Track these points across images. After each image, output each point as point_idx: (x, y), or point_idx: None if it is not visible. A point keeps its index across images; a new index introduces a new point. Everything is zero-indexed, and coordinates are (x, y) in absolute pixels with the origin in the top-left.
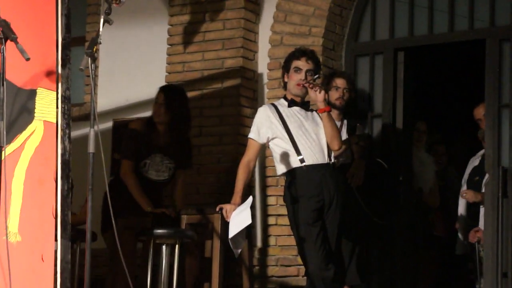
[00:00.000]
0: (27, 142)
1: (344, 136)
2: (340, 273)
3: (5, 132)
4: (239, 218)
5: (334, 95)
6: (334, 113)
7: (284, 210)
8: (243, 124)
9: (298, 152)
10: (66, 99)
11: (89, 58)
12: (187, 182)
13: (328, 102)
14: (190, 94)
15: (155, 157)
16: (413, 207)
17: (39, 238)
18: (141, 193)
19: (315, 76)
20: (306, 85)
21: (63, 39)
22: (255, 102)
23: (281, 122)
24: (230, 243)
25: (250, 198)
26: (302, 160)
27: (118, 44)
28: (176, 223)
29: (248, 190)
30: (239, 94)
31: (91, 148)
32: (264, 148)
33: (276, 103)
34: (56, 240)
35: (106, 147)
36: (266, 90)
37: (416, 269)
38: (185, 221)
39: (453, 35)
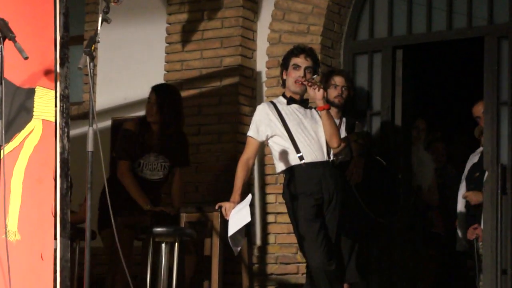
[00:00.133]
0: (26, 141)
1: (343, 134)
2: (340, 271)
3: (3, 131)
4: (238, 216)
5: (333, 93)
6: (333, 111)
7: (283, 208)
8: (241, 122)
9: (297, 150)
10: (64, 98)
11: (88, 57)
12: (186, 181)
13: (327, 100)
14: (188, 92)
15: (150, 157)
16: (412, 205)
17: (39, 237)
18: (139, 192)
19: (314, 76)
20: (305, 83)
21: (61, 38)
22: (254, 100)
23: (280, 120)
24: (230, 241)
25: (249, 196)
26: (301, 158)
27: (116, 42)
28: (175, 222)
29: (247, 188)
30: (238, 92)
31: (90, 147)
32: (263, 146)
33: (275, 101)
34: (55, 238)
35: (105, 145)
36: (264, 88)
37: (416, 267)
38: (184, 219)
39: (451, 33)
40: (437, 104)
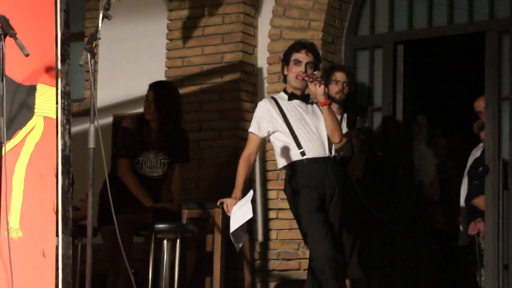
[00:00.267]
0: (27, 138)
1: (344, 129)
2: (342, 267)
3: (5, 128)
4: (240, 212)
5: (334, 89)
6: (334, 107)
7: (285, 204)
8: (243, 118)
9: (299, 146)
10: (66, 95)
11: (89, 54)
12: (187, 177)
13: (328, 96)
14: (189, 89)
15: (149, 154)
16: (413, 201)
17: (40, 234)
18: (140, 189)
19: (314, 72)
20: (306, 78)
21: (62, 35)
22: (255, 96)
23: (281, 116)
24: (231, 237)
25: (251, 192)
26: (303, 153)
27: (117, 39)
28: (176, 218)
29: (248, 184)
30: (239, 89)
31: (91, 144)
32: (264, 142)
33: (276, 96)
34: (57, 235)
35: (106, 142)
36: (265, 84)
37: (417, 262)
38: (186, 216)
39: (452, 28)
40: (438, 99)
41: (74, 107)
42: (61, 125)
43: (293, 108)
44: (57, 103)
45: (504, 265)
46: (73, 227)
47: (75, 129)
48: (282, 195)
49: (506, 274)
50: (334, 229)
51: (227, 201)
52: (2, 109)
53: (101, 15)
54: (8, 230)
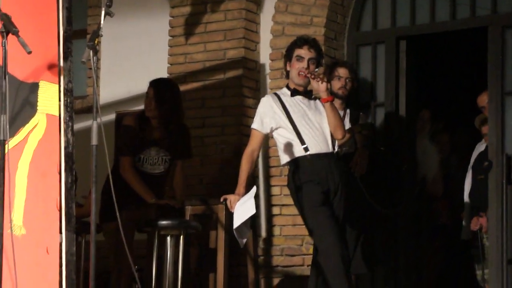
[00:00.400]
0: (30, 135)
1: (347, 125)
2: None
3: (8, 126)
4: (243, 208)
5: (337, 84)
6: (337, 102)
7: (288, 200)
8: (245, 114)
9: (302, 142)
10: (68, 92)
11: (91, 51)
12: (191, 173)
13: (330, 92)
14: (192, 85)
15: (150, 151)
16: (416, 196)
17: (44, 231)
18: (143, 186)
19: (316, 70)
20: (308, 75)
21: (64, 32)
22: (258, 93)
23: (284, 112)
24: (235, 233)
25: (254, 188)
26: (306, 149)
27: (119, 36)
28: (180, 214)
29: (252, 181)
30: (242, 85)
31: (94, 141)
32: (267, 138)
33: (279, 92)
34: (60, 232)
35: (109, 139)
36: (268, 81)
37: (421, 258)
38: (189, 212)
39: (455, 23)
40: (441, 94)
41: (77, 104)
42: (64, 122)
43: (296, 104)
44: (59, 100)
45: (508, 260)
46: (76, 224)
47: (77, 126)
48: (286, 191)
49: (510, 269)
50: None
51: (230, 197)
52: (5, 106)
53: (103, 12)
54: (11, 227)
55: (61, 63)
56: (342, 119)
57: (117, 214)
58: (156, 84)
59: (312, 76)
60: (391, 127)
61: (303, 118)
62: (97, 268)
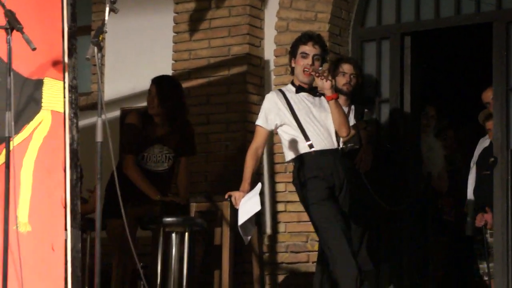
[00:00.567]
0: (35, 132)
1: (352, 121)
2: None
3: (13, 123)
4: (248, 205)
5: (341, 80)
6: (342, 98)
7: (293, 197)
8: (250, 111)
9: (307, 138)
10: (73, 89)
11: (95, 47)
12: (195, 170)
13: (335, 88)
14: (196, 81)
15: (154, 149)
16: (422, 192)
17: (49, 228)
18: (147, 184)
19: (320, 68)
20: (312, 73)
21: (69, 29)
22: (262, 89)
23: (288, 109)
24: (240, 230)
25: (259, 185)
26: (311, 146)
27: (124, 32)
28: (185, 211)
29: (256, 177)
30: (246, 81)
31: (99, 137)
32: (272, 135)
33: (283, 89)
34: (66, 229)
35: (114, 136)
36: (273, 77)
37: (426, 254)
38: (194, 209)
39: (459, 18)
40: (446, 90)
41: (82, 101)
42: (69, 119)
43: (301, 101)
44: (64, 97)
45: None
46: (81, 220)
47: (82, 123)
48: (290, 187)
49: None
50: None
51: (235, 194)
52: (10, 103)
53: (107, 9)
54: (17, 224)
55: (66, 60)
56: (347, 117)
57: (122, 211)
58: (158, 81)
59: (317, 74)
60: (396, 123)
61: (307, 115)
62: (102, 264)
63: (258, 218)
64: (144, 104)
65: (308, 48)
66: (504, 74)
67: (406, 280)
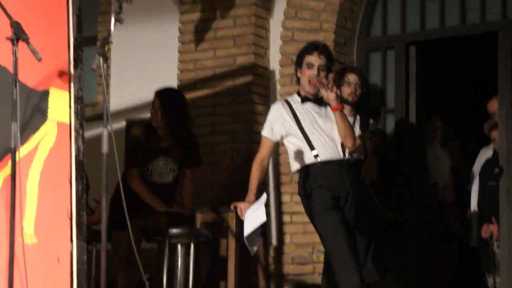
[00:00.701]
0: (40, 143)
1: (357, 131)
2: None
3: (19, 134)
4: (253, 216)
5: (346, 90)
6: (347, 108)
7: (298, 208)
8: (255, 121)
9: (312, 148)
10: (78, 99)
11: (101, 58)
12: (201, 181)
13: (340, 98)
14: (202, 92)
15: (158, 161)
16: (427, 203)
17: (55, 240)
18: (152, 196)
19: (323, 80)
20: (317, 84)
21: (74, 39)
22: (268, 99)
23: (294, 119)
24: (246, 242)
25: (264, 196)
26: (316, 156)
27: (129, 43)
28: (190, 223)
29: (262, 188)
30: (251, 91)
31: (104, 148)
32: (277, 146)
33: (289, 99)
34: (71, 241)
35: (119, 147)
36: (278, 87)
37: (432, 265)
38: (200, 220)
39: (465, 28)
40: (451, 100)
41: (87, 112)
42: (75, 130)
43: (306, 111)
44: (70, 107)
45: None
46: (87, 232)
47: (88, 133)
48: (296, 198)
49: None
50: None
51: (240, 205)
52: (15, 114)
53: (113, 19)
54: (22, 236)
55: (72, 70)
56: (352, 127)
57: (128, 222)
58: (161, 94)
59: (321, 86)
60: (401, 134)
61: (313, 125)
62: (107, 276)
63: (263, 229)
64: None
65: (314, 59)
66: (510, 84)
67: None
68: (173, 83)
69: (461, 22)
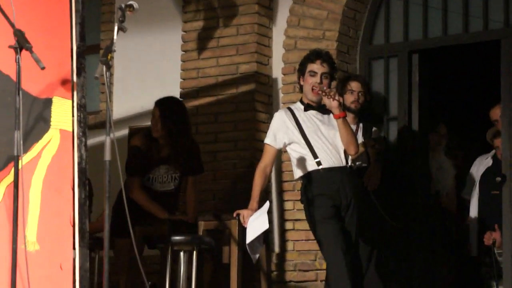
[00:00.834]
0: (43, 151)
1: (360, 139)
2: (358, 277)
3: (22, 142)
4: (256, 224)
5: (349, 98)
6: (350, 116)
7: (301, 215)
8: (258, 129)
9: (315, 156)
10: (81, 107)
11: (104, 66)
12: (203, 189)
13: (343, 106)
14: (204, 100)
15: (159, 170)
16: (430, 210)
17: (58, 247)
18: (154, 204)
19: (325, 88)
20: (319, 92)
21: (77, 48)
22: (270, 107)
23: (297, 127)
24: (248, 249)
25: (267, 203)
26: (318, 163)
27: (132, 51)
28: (193, 230)
29: (264, 195)
30: (254, 99)
31: (107, 156)
32: (280, 153)
33: (292, 107)
34: (74, 248)
35: (122, 154)
36: (281, 95)
37: (434, 273)
38: (202, 228)
39: (467, 36)
40: (454, 108)
41: (90, 120)
42: (77, 137)
43: (309, 119)
44: (73, 115)
45: None
46: (89, 239)
47: (91, 141)
48: (299, 205)
49: None
50: (351, 240)
51: (243, 212)
52: (18, 122)
53: (116, 28)
54: (25, 243)
55: (75, 79)
56: (355, 135)
57: (130, 230)
58: (161, 104)
59: (324, 94)
60: (404, 141)
61: (315, 133)
62: (110, 284)
63: (266, 236)
64: None
65: (317, 66)
66: None
67: None
68: (175, 91)
69: (464, 30)
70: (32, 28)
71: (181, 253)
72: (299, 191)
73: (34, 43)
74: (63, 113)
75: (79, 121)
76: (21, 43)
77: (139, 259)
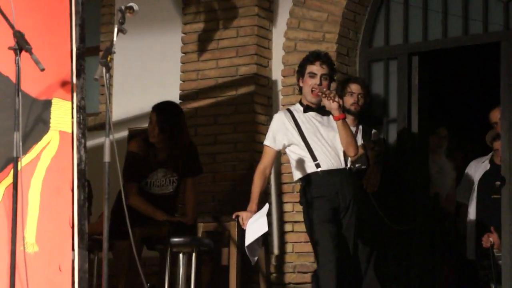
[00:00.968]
0: (43, 153)
1: (360, 141)
2: (357, 279)
3: (21, 143)
4: (255, 226)
5: (349, 100)
6: (349, 118)
7: (300, 217)
8: (258, 131)
9: (314, 158)
10: (81, 109)
11: (104, 68)
12: (203, 190)
13: (343, 108)
14: (204, 102)
15: (157, 174)
16: (429, 213)
17: (57, 248)
18: (151, 208)
19: (324, 89)
20: (319, 94)
21: (77, 49)
22: (270, 109)
23: (296, 129)
24: (247, 251)
25: (266, 206)
26: (318, 165)
27: (132, 53)
28: (192, 232)
29: (264, 197)
30: (254, 101)
31: (106, 158)
32: (279, 155)
33: (292, 108)
34: (73, 250)
35: (121, 156)
36: (280, 97)
37: (434, 275)
38: (202, 229)
39: (467, 38)
40: (453, 110)
41: (90, 121)
42: (77, 139)
43: (309, 120)
44: (72, 117)
45: None
46: (88, 241)
47: (90, 143)
48: (298, 208)
49: None
50: (349, 243)
51: (242, 214)
52: (18, 124)
53: (116, 29)
54: (24, 244)
55: (74, 80)
56: (354, 136)
57: (130, 231)
58: (158, 109)
59: (323, 95)
60: (404, 143)
61: (315, 135)
62: (109, 285)
63: (265, 238)
64: None
65: (316, 68)
66: None
67: None
68: (175, 93)
69: (464, 32)
70: (32, 29)
71: (180, 255)
72: (298, 193)
73: (33, 44)
74: (63, 115)
75: (78, 123)
76: (21, 45)
77: (138, 261)
